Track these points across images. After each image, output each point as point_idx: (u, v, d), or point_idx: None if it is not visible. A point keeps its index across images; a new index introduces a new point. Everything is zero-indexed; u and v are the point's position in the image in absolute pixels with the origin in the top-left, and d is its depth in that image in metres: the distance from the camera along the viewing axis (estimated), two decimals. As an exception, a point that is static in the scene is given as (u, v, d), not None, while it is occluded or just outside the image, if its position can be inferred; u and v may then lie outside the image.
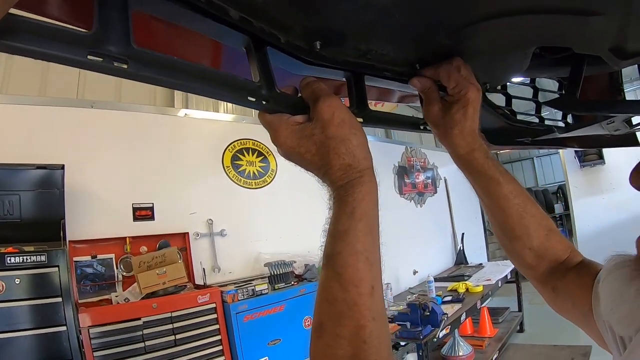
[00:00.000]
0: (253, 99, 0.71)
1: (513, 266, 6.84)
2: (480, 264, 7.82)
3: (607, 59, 0.90)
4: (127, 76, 0.56)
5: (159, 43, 0.79)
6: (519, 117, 1.39)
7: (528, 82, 1.45)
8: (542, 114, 1.42)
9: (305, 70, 0.82)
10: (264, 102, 0.73)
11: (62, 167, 3.23)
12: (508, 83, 1.32)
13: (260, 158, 4.95)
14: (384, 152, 6.96)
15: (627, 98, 1.41)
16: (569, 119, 1.49)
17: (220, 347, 3.48)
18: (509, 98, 1.39)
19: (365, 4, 0.70)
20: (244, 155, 4.81)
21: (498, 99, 1.34)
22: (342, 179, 0.73)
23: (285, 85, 0.80)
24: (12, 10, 0.46)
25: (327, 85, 0.78)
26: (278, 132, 0.76)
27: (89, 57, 0.52)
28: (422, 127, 1.07)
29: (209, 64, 0.97)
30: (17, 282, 2.69)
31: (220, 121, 4.86)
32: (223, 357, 3.47)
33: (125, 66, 0.55)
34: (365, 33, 0.81)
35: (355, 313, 0.64)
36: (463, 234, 8.43)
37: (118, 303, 3.33)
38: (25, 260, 2.74)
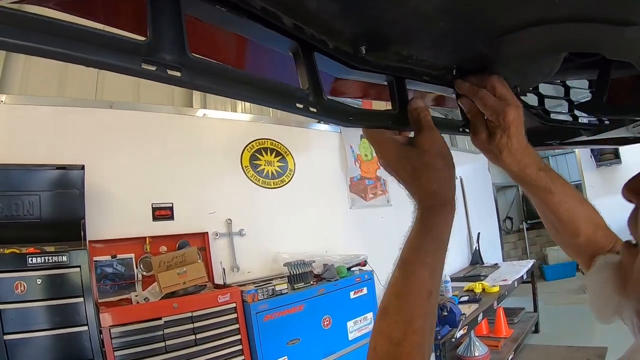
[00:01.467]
0: (301, 106, 0.70)
1: (529, 266, 6.88)
2: (496, 263, 7.80)
3: (637, 65, 0.88)
4: (180, 84, 0.55)
5: (202, 45, 0.79)
6: (552, 116, 1.38)
7: (558, 81, 1.43)
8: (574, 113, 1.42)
9: (348, 74, 0.83)
10: (311, 109, 0.72)
11: (82, 167, 3.26)
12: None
13: (278, 158, 4.95)
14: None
15: None
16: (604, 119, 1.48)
17: (240, 347, 3.48)
18: (541, 98, 1.39)
19: (413, 11, 0.70)
20: (263, 155, 4.82)
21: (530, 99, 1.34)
22: (427, 203, 0.84)
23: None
24: (67, 17, 0.45)
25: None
26: (382, 147, 0.87)
27: (142, 65, 0.51)
28: (460, 130, 1.06)
29: (251, 64, 0.97)
30: (39, 283, 2.71)
31: (239, 121, 4.86)
32: (243, 357, 3.48)
33: (179, 74, 0.54)
34: (409, 39, 0.81)
35: (412, 309, 0.81)
36: (479, 233, 8.39)
37: (138, 302, 3.34)
38: (46, 261, 2.76)
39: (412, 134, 0.91)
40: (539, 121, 1.31)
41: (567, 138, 1.40)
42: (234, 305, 3.51)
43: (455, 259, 7.92)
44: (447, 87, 1.06)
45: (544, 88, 1.38)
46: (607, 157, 8.60)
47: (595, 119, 1.48)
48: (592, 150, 8.45)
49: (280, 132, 4.99)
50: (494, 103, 0.92)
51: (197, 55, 0.55)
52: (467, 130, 1.02)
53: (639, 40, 0.81)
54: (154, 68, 0.52)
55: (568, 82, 1.48)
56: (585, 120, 1.41)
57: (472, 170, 9.16)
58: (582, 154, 8.96)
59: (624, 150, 8.11)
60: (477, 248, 8.32)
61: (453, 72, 1.01)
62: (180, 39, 0.55)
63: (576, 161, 9.79)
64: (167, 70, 0.53)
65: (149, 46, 0.52)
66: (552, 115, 1.38)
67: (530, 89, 1.33)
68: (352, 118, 0.80)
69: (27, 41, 0.44)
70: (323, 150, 5.58)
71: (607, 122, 1.39)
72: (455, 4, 0.71)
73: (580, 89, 1.46)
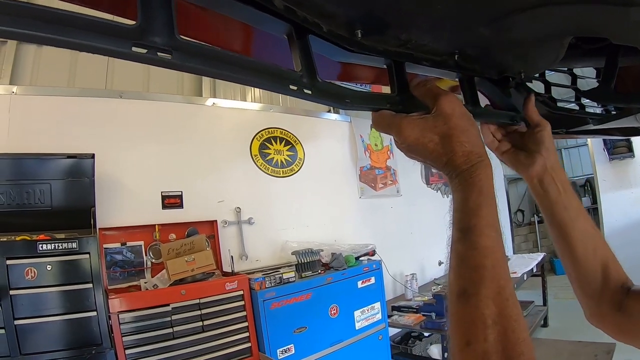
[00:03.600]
0: (295, 88, 0.71)
1: (539, 259, 6.85)
2: (506, 256, 7.75)
3: None
4: (171, 66, 0.56)
5: (194, 28, 0.80)
6: (559, 104, 1.38)
7: (565, 69, 1.44)
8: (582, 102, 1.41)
9: (346, 57, 0.84)
10: (305, 91, 0.72)
11: (92, 156, 3.28)
12: (546, 71, 1.31)
13: (288, 147, 4.97)
14: (412, 141, 6.92)
15: None
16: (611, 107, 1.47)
17: (247, 334, 3.51)
18: (547, 85, 1.38)
19: None
20: (272, 144, 4.83)
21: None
22: (466, 164, 0.80)
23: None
24: (57, 4, 0.46)
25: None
26: (401, 128, 0.84)
27: (133, 48, 0.52)
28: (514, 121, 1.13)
29: (244, 48, 0.97)
30: (49, 269, 2.75)
31: (248, 110, 4.88)
32: (249, 344, 3.51)
33: (169, 57, 0.55)
34: (406, 22, 0.82)
35: (497, 275, 0.74)
36: (489, 224, 8.35)
37: (147, 289, 3.38)
38: (56, 247, 2.80)
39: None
40: (545, 109, 1.31)
41: (574, 127, 1.38)
42: (241, 292, 3.53)
43: (464, 251, 7.91)
44: (450, 71, 1.06)
45: (552, 77, 1.38)
46: (620, 150, 8.47)
47: (602, 108, 1.47)
48: (604, 143, 8.34)
49: (289, 121, 5.00)
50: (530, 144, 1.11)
51: (187, 38, 0.56)
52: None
53: None
54: (144, 51, 0.54)
55: (575, 71, 1.47)
56: (591, 110, 1.40)
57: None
58: (595, 147, 8.85)
59: (637, 143, 8.02)
60: (488, 239, 8.28)
61: (455, 57, 1.02)
62: (169, 22, 0.56)
63: (589, 154, 9.69)
64: (158, 53, 0.54)
65: (140, 29, 0.54)
66: (559, 104, 1.38)
67: (537, 75, 1.33)
68: (349, 100, 0.80)
69: (22, 28, 0.46)
70: (333, 140, 5.58)
71: (614, 111, 1.39)
72: None
73: (591, 78, 1.46)
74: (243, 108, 4.85)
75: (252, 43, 0.90)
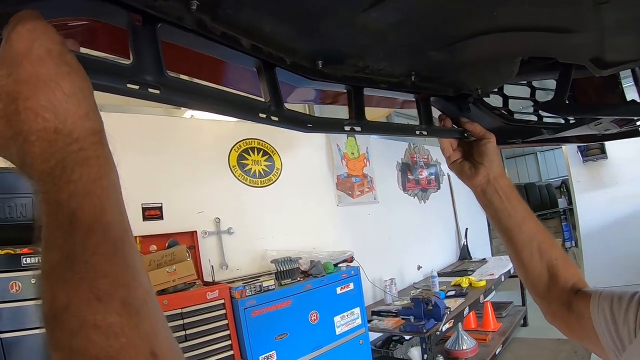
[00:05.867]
0: (264, 116, 0.79)
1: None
2: (484, 259, 7.90)
3: (589, 68, 0.96)
4: (159, 100, 0.64)
5: (179, 62, 0.88)
6: (518, 116, 1.46)
7: (525, 82, 1.53)
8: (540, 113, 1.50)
9: (309, 84, 0.91)
10: (273, 119, 0.81)
11: (73, 169, 3.30)
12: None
13: (265, 157, 5.02)
14: (388, 149, 7.04)
15: (627, 94, 1.46)
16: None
17: (229, 342, 3.55)
18: (505, 99, 1.46)
19: (362, 29, 0.79)
20: (250, 155, 4.88)
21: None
22: (45, 158, 0.44)
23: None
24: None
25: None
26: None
27: (128, 85, 0.60)
28: (417, 133, 1.16)
29: (222, 77, 1.06)
30: (33, 282, 2.77)
31: (226, 121, 4.90)
32: (232, 352, 3.54)
33: (158, 92, 0.62)
34: (362, 52, 0.89)
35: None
36: (467, 229, 8.48)
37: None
38: (40, 261, 2.81)
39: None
40: (502, 121, 1.40)
41: (530, 136, 1.46)
42: (222, 301, 3.57)
43: (442, 255, 8.02)
44: (407, 92, 1.16)
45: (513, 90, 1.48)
46: (593, 152, 8.68)
47: (561, 119, 1.57)
48: (578, 146, 8.54)
49: (267, 132, 5.03)
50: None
51: (174, 75, 0.65)
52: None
53: (585, 45, 0.91)
54: (137, 87, 0.61)
55: (538, 83, 1.57)
56: (552, 120, 1.50)
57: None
58: (569, 149, 9.07)
59: (610, 145, 8.24)
60: (465, 243, 8.41)
61: (412, 78, 1.09)
62: (158, 61, 0.64)
63: (563, 157, 9.93)
64: (149, 89, 0.62)
65: (133, 68, 0.61)
66: (516, 116, 1.48)
67: (495, 90, 1.43)
68: (311, 125, 0.89)
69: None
70: (309, 149, 5.64)
71: (572, 121, 1.45)
72: (401, 21, 0.79)
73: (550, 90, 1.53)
74: (221, 120, 4.86)
75: (229, 73, 0.98)
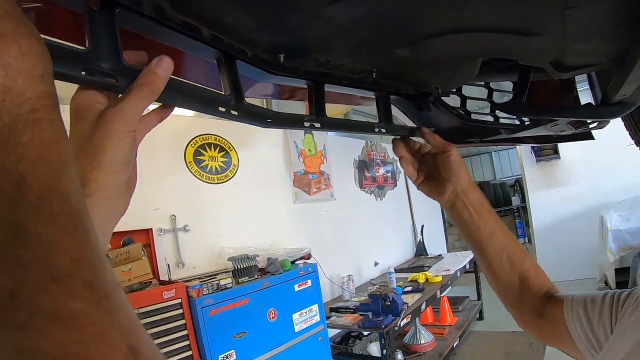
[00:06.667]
0: (223, 110, 0.78)
1: (471, 257, 7.15)
2: (440, 255, 8.04)
3: (549, 70, 0.98)
4: (116, 90, 0.61)
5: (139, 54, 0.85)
6: (475, 116, 1.48)
7: (483, 83, 1.53)
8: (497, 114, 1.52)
9: (270, 79, 0.89)
10: (232, 112, 0.79)
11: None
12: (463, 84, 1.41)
13: (222, 153, 4.96)
14: (345, 147, 7.08)
15: (582, 97, 1.49)
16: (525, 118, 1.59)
17: (187, 342, 3.49)
18: (463, 99, 1.49)
19: (326, 23, 0.78)
20: (206, 151, 4.82)
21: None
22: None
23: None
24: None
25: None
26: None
27: (82, 73, 0.57)
28: (377, 130, 1.17)
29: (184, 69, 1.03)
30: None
31: (182, 116, 4.83)
32: (190, 352, 3.49)
33: (114, 81, 0.60)
34: (325, 47, 0.88)
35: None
36: (422, 226, 8.61)
37: (84, 301, 3.31)
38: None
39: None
40: (459, 121, 1.42)
41: (487, 136, 1.48)
42: (179, 300, 3.51)
43: (399, 251, 8.12)
44: (367, 89, 1.15)
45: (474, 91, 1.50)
46: (546, 152, 9.05)
47: (518, 120, 1.60)
48: (532, 146, 8.84)
49: (224, 128, 4.98)
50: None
51: (131, 64, 0.62)
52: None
53: (545, 49, 0.92)
54: (92, 75, 0.58)
55: (496, 85, 1.59)
56: (508, 121, 1.52)
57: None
58: (523, 149, 9.42)
59: (562, 146, 8.57)
60: (422, 240, 8.54)
61: (373, 74, 1.09)
62: (115, 48, 0.61)
63: (517, 156, 10.27)
64: (105, 78, 0.59)
65: (88, 55, 0.58)
66: (474, 116, 1.50)
67: (454, 90, 1.44)
68: (271, 120, 0.87)
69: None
70: (267, 146, 5.60)
71: (528, 122, 1.48)
72: (366, 16, 0.78)
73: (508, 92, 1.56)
74: (177, 114, 4.79)
75: (189, 64, 0.95)
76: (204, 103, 0.76)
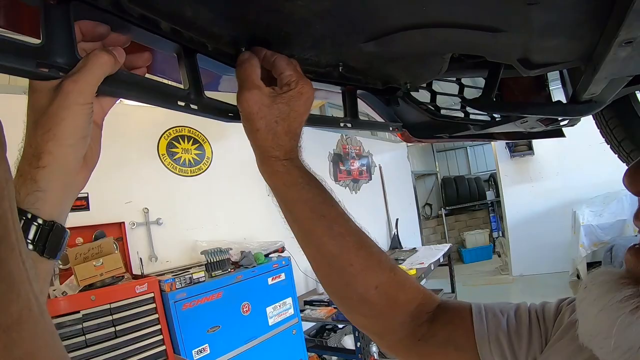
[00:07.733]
0: (182, 104, 0.77)
1: (445, 250, 7.22)
2: (414, 248, 8.10)
3: (517, 67, 0.98)
4: None
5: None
6: (446, 112, 1.49)
7: (454, 79, 1.54)
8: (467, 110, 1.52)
9: (232, 72, 0.87)
10: (192, 107, 0.79)
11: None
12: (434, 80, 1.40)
13: (195, 145, 4.93)
14: (320, 140, 7.09)
15: (554, 94, 1.51)
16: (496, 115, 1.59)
17: (160, 337, 3.48)
18: (433, 94, 1.50)
19: (287, 16, 0.77)
20: (180, 143, 4.78)
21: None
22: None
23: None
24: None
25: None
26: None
27: (38, 68, 0.56)
28: (342, 125, 1.17)
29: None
30: None
31: (156, 108, 4.77)
32: (164, 347, 3.48)
33: None
34: (288, 41, 0.88)
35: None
36: (397, 219, 8.69)
37: (56, 297, 3.29)
38: None
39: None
40: (429, 116, 1.44)
41: (457, 132, 1.49)
42: (152, 295, 3.49)
43: (374, 244, 8.15)
44: (333, 84, 1.15)
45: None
46: (520, 148, 9.25)
47: (487, 116, 1.62)
48: (507, 142, 8.97)
49: (197, 120, 4.88)
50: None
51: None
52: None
53: (513, 45, 0.93)
54: (47, 70, 0.57)
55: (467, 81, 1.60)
56: (481, 117, 1.53)
57: (391, 159, 9.46)
58: (498, 145, 9.57)
59: (537, 142, 8.73)
60: (396, 233, 8.60)
61: (339, 68, 1.09)
62: (70, 42, 0.60)
63: (492, 152, 10.42)
64: (60, 72, 0.59)
65: (43, 49, 0.57)
66: (444, 112, 1.51)
67: (424, 85, 1.45)
68: (232, 115, 0.88)
69: None
70: (240, 138, 5.46)
71: (498, 118, 1.49)
72: (327, 10, 0.78)
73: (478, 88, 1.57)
74: (150, 106, 4.74)
75: (158, 62, 0.94)
76: (162, 97, 0.75)
